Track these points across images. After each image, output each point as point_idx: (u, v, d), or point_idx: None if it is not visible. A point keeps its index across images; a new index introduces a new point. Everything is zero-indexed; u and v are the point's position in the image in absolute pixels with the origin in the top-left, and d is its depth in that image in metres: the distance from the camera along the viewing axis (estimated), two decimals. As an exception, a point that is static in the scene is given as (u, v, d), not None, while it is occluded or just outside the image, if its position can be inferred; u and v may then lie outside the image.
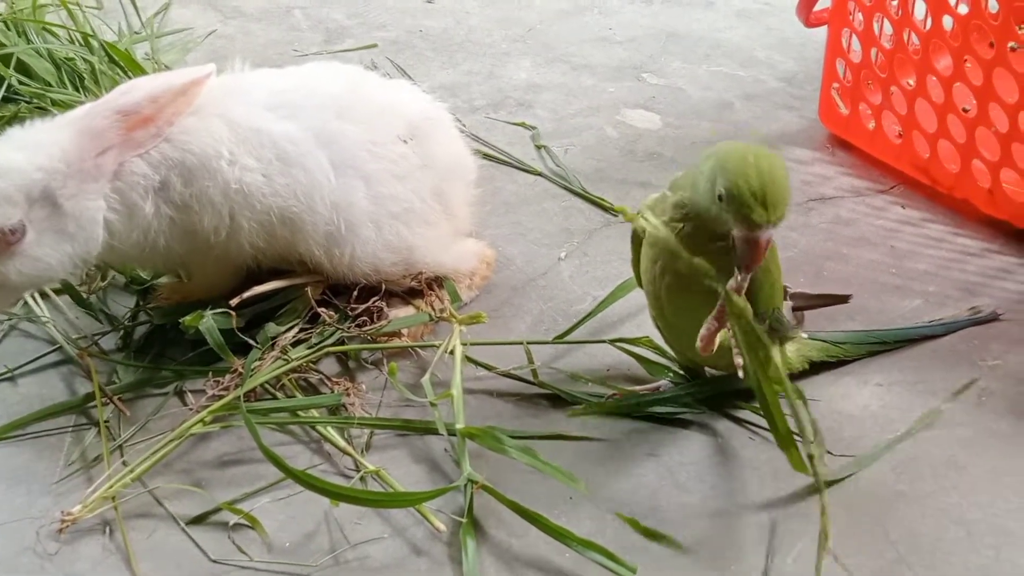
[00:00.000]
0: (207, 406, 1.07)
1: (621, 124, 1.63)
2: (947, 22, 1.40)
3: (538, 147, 1.57)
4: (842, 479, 1.03)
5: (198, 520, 0.99)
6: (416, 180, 1.18)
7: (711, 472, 1.05)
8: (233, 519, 0.99)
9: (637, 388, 1.12)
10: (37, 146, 1.05)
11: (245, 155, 1.11)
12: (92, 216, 1.07)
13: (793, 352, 1.12)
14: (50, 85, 1.47)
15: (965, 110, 1.40)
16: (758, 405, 1.02)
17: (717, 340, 0.98)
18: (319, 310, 1.16)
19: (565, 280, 1.31)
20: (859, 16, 1.49)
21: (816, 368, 1.15)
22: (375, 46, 1.82)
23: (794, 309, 1.13)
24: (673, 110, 1.66)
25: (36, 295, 1.23)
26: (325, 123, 1.14)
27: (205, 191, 1.10)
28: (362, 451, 1.07)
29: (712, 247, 0.96)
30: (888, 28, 1.47)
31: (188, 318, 1.12)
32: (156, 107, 1.07)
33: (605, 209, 1.44)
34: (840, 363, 1.16)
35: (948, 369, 1.17)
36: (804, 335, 1.13)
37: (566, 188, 1.48)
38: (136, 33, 1.73)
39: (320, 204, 1.14)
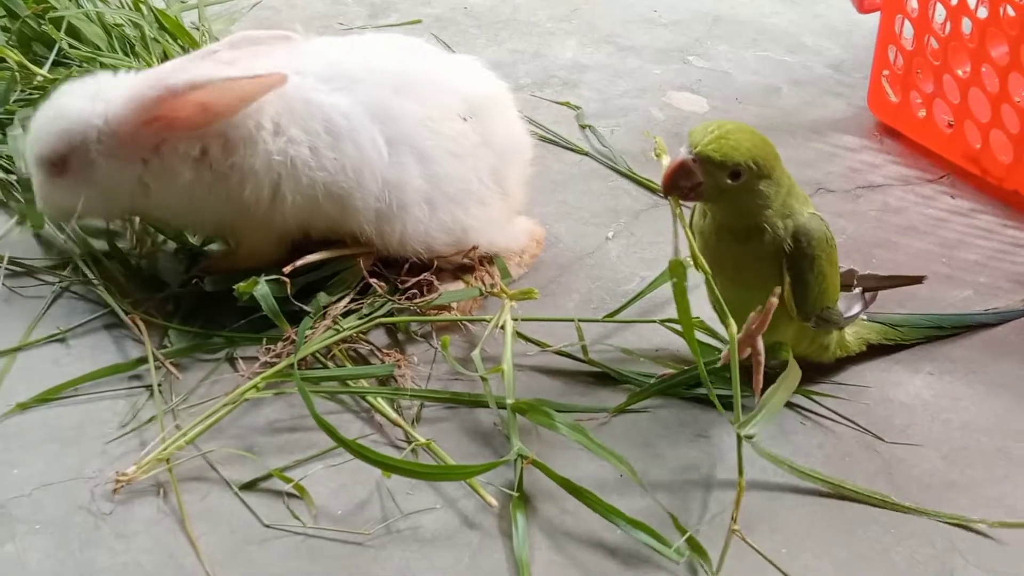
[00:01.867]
0: (260, 372, 1.07)
1: (667, 106, 1.62)
2: (1003, 11, 1.38)
3: (583, 127, 1.57)
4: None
5: (250, 485, 1.00)
6: (474, 159, 1.17)
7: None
8: (287, 485, 0.99)
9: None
10: (91, 98, 1.11)
11: (292, 126, 1.11)
12: (118, 177, 1.12)
13: (852, 335, 1.12)
14: (100, 50, 1.47)
15: (1018, 100, 1.39)
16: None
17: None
18: (370, 281, 1.16)
19: (613, 259, 1.31)
20: (913, 2, 1.48)
21: (872, 352, 1.14)
22: (420, 22, 1.81)
23: (864, 291, 1.13)
24: (720, 94, 1.66)
25: (88, 259, 1.23)
26: (382, 98, 1.13)
27: (245, 160, 1.11)
28: (412, 422, 1.07)
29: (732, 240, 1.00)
30: (942, 15, 1.46)
31: (242, 284, 1.12)
32: (204, 93, 1.06)
33: (652, 190, 1.43)
34: (897, 347, 1.16)
35: (999, 359, 1.17)
36: (864, 317, 1.13)
37: (612, 168, 1.48)
38: (183, 1, 1.73)
39: (371, 180, 1.13)
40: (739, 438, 0.95)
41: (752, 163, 0.94)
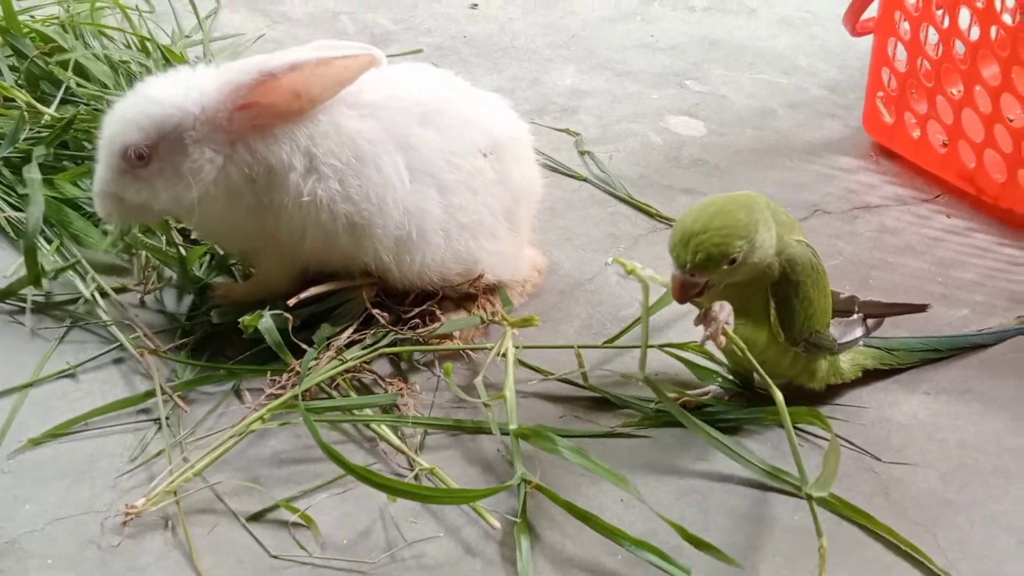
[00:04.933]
0: (265, 404, 1.09)
1: (665, 131, 1.64)
2: (994, 32, 1.40)
3: (582, 153, 1.59)
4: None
5: (257, 516, 1.01)
6: (489, 195, 1.19)
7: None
8: (293, 515, 1.00)
9: (689, 392, 1.13)
10: (185, 85, 1.11)
11: (326, 156, 1.12)
12: (204, 164, 1.10)
13: (847, 361, 1.13)
14: (107, 87, 1.50)
15: (1011, 120, 1.40)
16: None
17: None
18: (373, 311, 1.18)
19: (612, 285, 1.33)
20: (905, 25, 1.50)
21: (868, 376, 1.16)
22: (420, 51, 1.83)
23: (865, 317, 1.14)
24: (717, 117, 1.67)
25: (96, 294, 1.25)
26: (407, 128, 1.15)
27: (282, 199, 1.13)
28: (416, 450, 1.09)
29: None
30: (934, 37, 1.48)
31: (247, 318, 1.14)
32: (299, 77, 1.08)
33: (651, 215, 1.45)
34: (892, 371, 1.17)
35: (996, 378, 1.18)
36: (860, 343, 1.14)
37: (611, 194, 1.50)
38: (187, 36, 1.76)
39: (392, 207, 1.14)
40: (809, 499, 0.98)
41: (743, 242, 0.96)
